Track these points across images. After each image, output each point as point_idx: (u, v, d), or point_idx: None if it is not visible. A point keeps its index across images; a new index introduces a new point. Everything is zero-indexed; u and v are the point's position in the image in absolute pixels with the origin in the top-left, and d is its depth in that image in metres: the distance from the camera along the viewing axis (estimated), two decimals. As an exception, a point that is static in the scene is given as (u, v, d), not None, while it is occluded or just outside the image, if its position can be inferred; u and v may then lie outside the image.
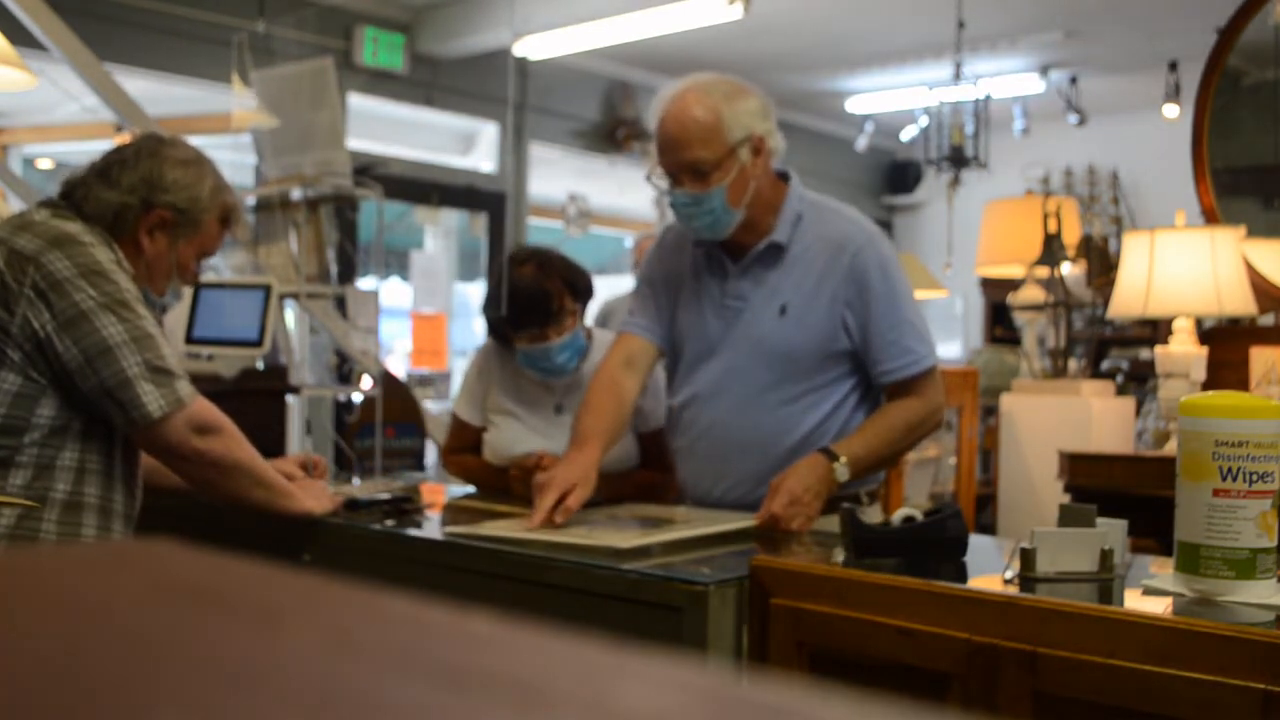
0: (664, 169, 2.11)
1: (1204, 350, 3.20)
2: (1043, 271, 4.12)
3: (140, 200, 1.95)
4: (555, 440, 2.44)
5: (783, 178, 2.20)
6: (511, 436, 2.51)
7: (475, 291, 7.63)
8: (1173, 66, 6.63)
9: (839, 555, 1.64)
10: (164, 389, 1.83)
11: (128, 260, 1.95)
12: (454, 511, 2.35)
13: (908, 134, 7.70)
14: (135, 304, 1.85)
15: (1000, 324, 7.30)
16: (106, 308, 1.80)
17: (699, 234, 2.16)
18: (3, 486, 1.80)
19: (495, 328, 2.53)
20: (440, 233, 7.38)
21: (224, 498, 1.97)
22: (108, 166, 1.97)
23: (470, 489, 2.62)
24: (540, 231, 7.78)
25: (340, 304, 3.22)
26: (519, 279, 2.40)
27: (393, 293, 6.91)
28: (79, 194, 1.95)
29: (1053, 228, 4.05)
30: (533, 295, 2.37)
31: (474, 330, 7.54)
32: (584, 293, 2.48)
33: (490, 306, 2.49)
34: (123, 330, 1.81)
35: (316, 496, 2.09)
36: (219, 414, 1.92)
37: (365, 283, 5.40)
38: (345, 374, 3.38)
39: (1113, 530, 1.46)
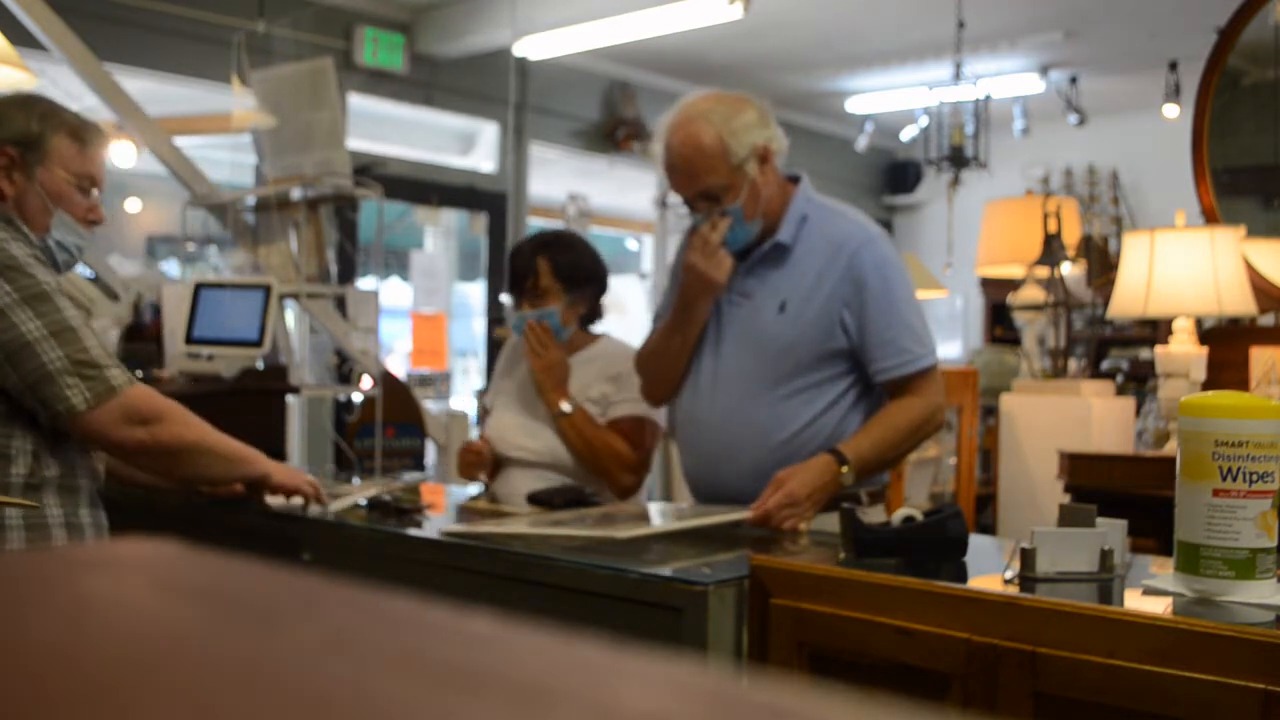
0: (678, 195, 2.16)
1: (1204, 350, 3.20)
2: (1043, 271, 4.12)
3: None
4: (543, 440, 2.50)
5: (793, 180, 2.24)
6: (505, 432, 2.57)
7: (475, 291, 7.62)
8: (1173, 66, 6.63)
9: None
10: (90, 381, 1.79)
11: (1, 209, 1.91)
12: (456, 511, 2.35)
13: (908, 134, 7.70)
14: (55, 296, 1.81)
15: (1000, 324, 7.29)
16: (22, 303, 1.77)
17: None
18: None
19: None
20: (440, 233, 7.38)
21: (187, 480, 1.97)
22: None
23: (471, 489, 2.63)
24: (540, 232, 7.76)
25: (340, 304, 3.22)
26: (519, 250, 2.61)
27: (393, 293, 6.91)
28: None
29: (1053, 228, 4.04)
30: (516, 264, 2.57)
31: (474, 330, 7.54)
32: (573, 280, 2.55)
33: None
34: (41, 325, 1.77)
35: (286, 468, 2.10)
36: (159, 400, 1.89)
37: (365, 283, 5.40)
38: (345, 374, 3.38)
39: (1113, 530, 1.46)
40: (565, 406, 2.46)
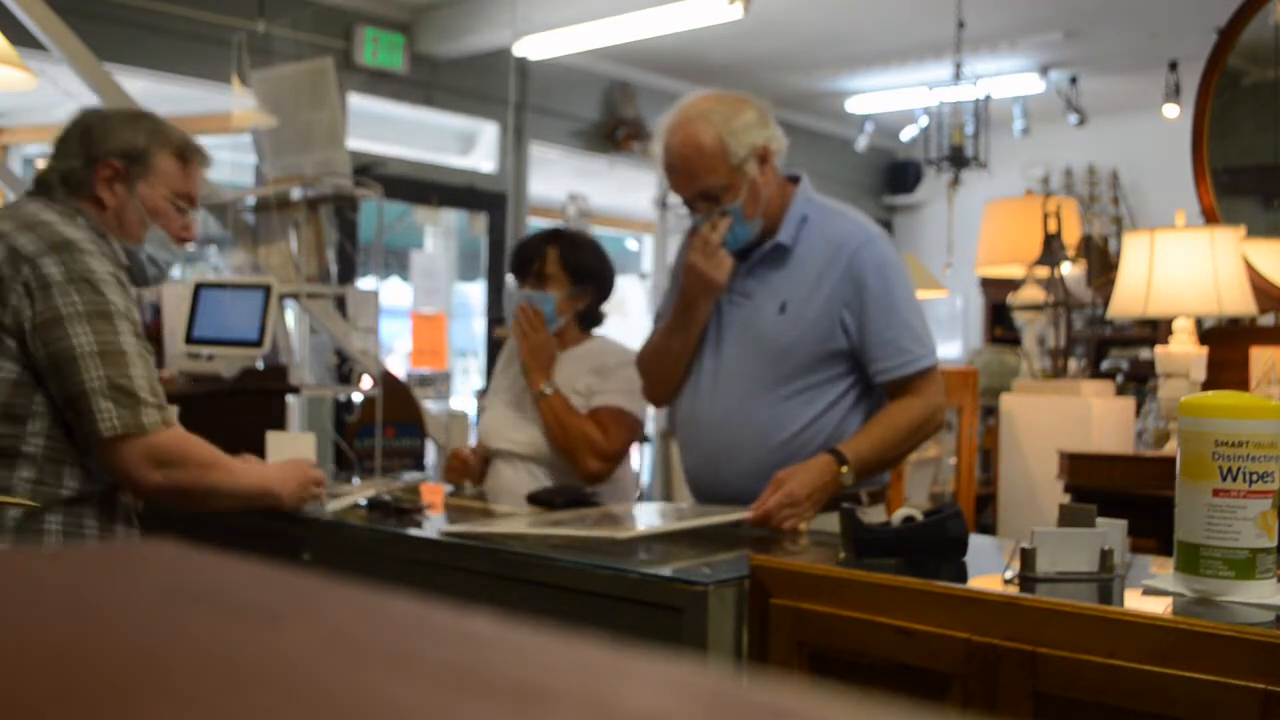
0: (678, 195, 2.16)
1: (1204, 350, 3.20)
2: (1043, 271, 4.12)
3: (84, 158, 1.95)
4: (526, 433, 2.54)
5: (793, 180, 2.24)
6: (495, 426, 2.61)
7: (475, 291, 7.62)
8: (1173, 66, 6.63)
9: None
10: (123, 409, 1.79)
11: (97, 219, 1.94)
12: (454, 511, 2.35)
13: (908, 134, 7.69)
14: (118, 319, 1.81)
15: (1000, 324, 7.29)
16: (84, 317, 1.78)
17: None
18: (11, 479, 1.80)
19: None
20: (440, 233, 7.38)
21: (197, 510, 2.00)
22: (55, 144, 2.00)
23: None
24: (540, 232, 7.76)
25: (340, 304, 3.22)
26: (530, 238, 2.68)
27: (393, 293, 6.91)
28: (48, 178, 1.97)
29: (1053, 228, 4.04)
30: (524, 250, 2.63)
31: (474, 330, 7.54)
32: (578, 275, 2.58)
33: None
34: (93, 341, 1.78)
35: (295, 482, 2.10)
36: (186, 444, 1.89)
37: (365, 283, 5.39)
38: (345, 374, 3.38)
39: (1113, 530, 1.46)
40: (546, 388, 2.49)
